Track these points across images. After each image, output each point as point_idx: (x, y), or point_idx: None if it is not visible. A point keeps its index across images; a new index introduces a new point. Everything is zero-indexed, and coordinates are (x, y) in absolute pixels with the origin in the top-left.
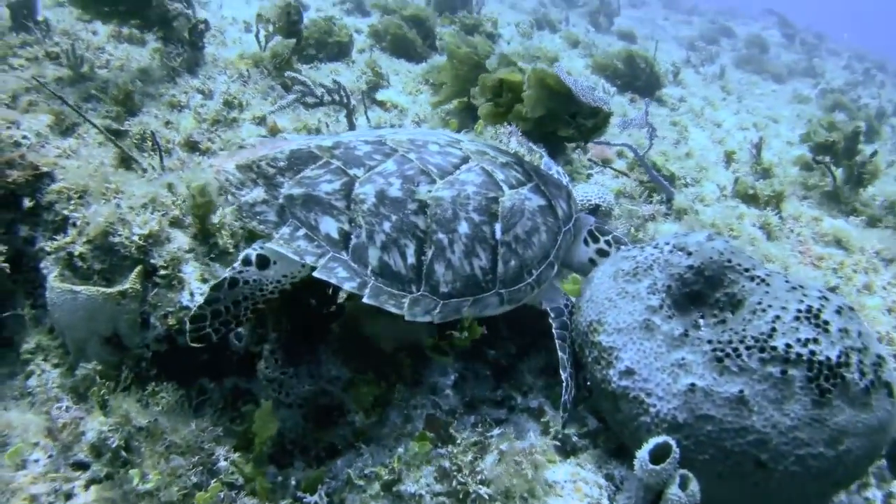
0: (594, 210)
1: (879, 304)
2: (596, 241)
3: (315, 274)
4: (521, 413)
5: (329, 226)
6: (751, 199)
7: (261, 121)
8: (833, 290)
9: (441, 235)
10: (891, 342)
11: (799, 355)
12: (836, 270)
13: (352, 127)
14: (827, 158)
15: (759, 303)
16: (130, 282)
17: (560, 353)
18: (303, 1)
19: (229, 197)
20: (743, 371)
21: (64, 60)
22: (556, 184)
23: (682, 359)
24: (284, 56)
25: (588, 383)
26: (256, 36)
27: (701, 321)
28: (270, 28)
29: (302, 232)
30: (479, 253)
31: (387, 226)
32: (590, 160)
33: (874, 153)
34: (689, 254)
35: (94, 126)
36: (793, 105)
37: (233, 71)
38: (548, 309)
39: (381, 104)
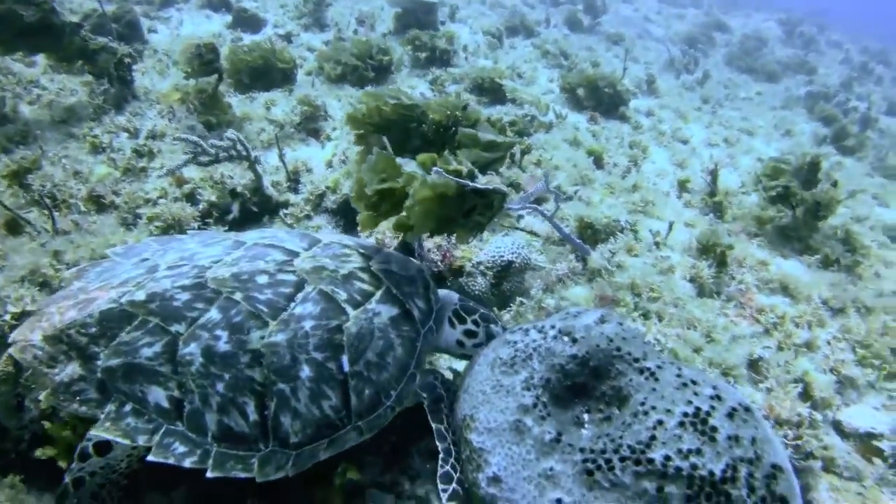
0: (507, 266)
1: (818, 365)
2: (462, 321)
3: (149, 458)
4: (408, 501)
5: (158, 395)
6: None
7: (169, 172)
8: (757, 362)
9: (282, 385)
10: (826, 406)
11: (678, 469)
12: (777, 325)
13: (257, 177)
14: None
15: (643, 403)
16: (1, 364)
17: (435, 425)
18: (260, 15)
19: (39, 377)
20: (615, 486)
21: None
22: (410, 278)
23: (551, 469)
24: (208, 92)
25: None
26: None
27: (585, 416)
28: (188, 69)
29: (129, 407)
30: (327, 393)
31: (220, 386)
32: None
33: (834, 183)
34: (575, 341)
35: None
36: (775, 112)
37: (164, 105)
38: (418, 390)
39: (315, 133)
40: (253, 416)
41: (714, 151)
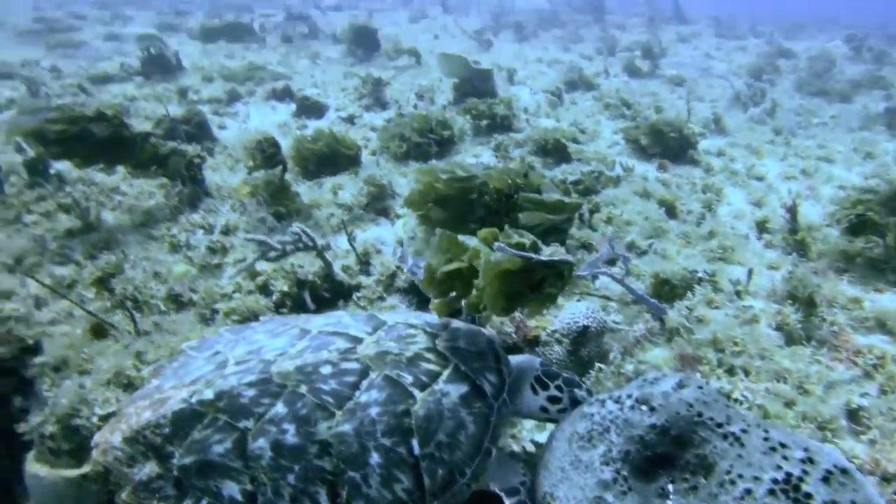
0: (583, 332)
1: None
2: (545, 387)
3: None
4: None
5: (232, 489)
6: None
7: (239, 272)
8: (857, 412)
9: (352, 473)
10: None
11: None
12: (878, 366)
13: (326, 264)
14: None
15: (729, 471)
16: (91, 464)
17: None
18: (322, 101)
19: (122, 477)
20: None
21: (74, 212)
22: (479, 353)
23: None
24: (275, 184)
25: None
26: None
27: (670, 486)
28: (251, 163)
29: (205, 502)
30: (398, 477)
31: (291, 477)
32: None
33: None
34: (653, 409)
35: (70, 300)
36: (853, 134)
37: (235, 199)
38: (498, 491)
39: (384, 212)
40: None
41: (792, 185)
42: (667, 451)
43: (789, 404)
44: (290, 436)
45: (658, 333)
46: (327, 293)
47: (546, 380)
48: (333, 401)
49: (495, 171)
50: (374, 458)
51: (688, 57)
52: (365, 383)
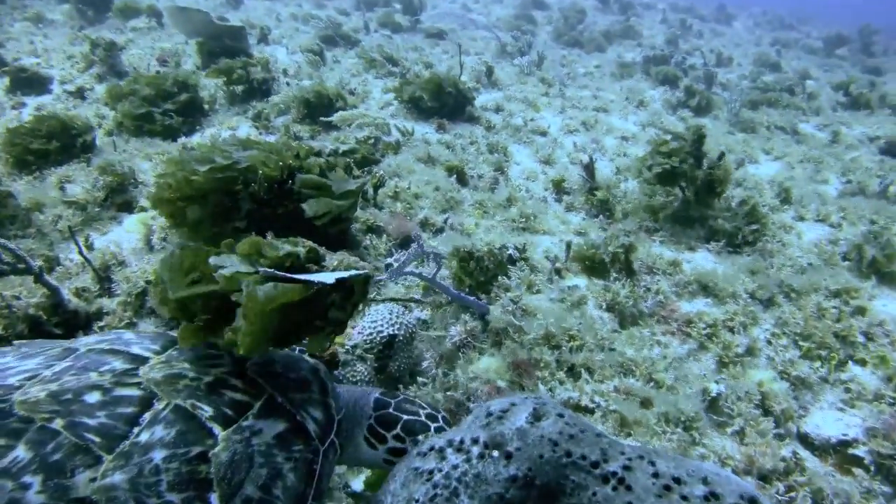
0: (389, 342)
1: (770, 374)
2: (382, 440)
3: None
4: None
5: None
6: (591, 267)
7: None
8: (716, 401)
9: None
10: (787, 419)
11: None
12: (712, 336)
13: (51, 291)
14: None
15: None
16: None
17: None
18: (43, 73)
19: None
20: None
21: None
22: (300, 381)
23: None
24: None
25: None
26: None
27: None
28: None
29: None
30: None
31: None
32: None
33: (721, 156)
34: (509, 456)
35: None
36: (621, 83)
37: None
38: None
39: (127, 206)
40: None
41: (576, 139)
42: None
43: (646, 404)
44: (34, 493)
45: (480, 337)
46: (57, 328)
47: (381, 430)
48: (101, 440)
49: (260, 151)
50: None
51: (446, 10)
52: (147, 416)
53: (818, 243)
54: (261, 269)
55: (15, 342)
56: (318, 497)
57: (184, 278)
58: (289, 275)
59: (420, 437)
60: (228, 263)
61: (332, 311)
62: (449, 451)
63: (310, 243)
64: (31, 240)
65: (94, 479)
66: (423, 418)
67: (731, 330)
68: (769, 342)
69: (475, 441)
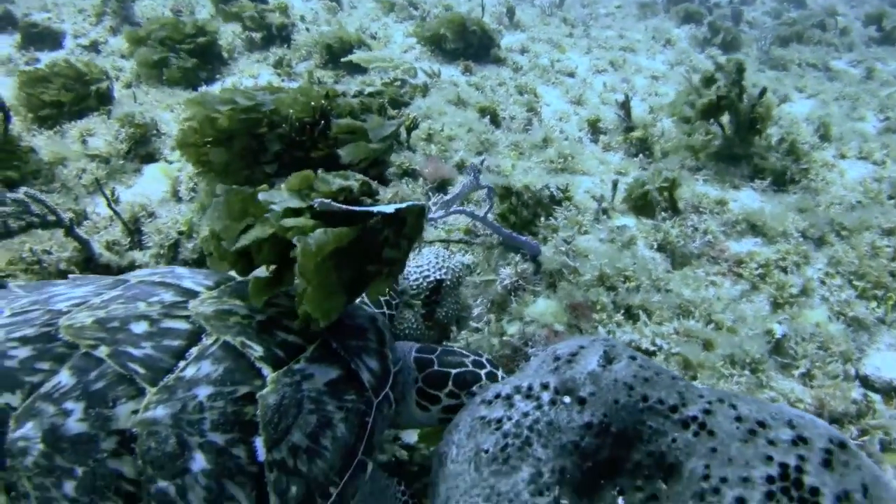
0: (437, 288)
1: (824, 314)
2: (434, 400)
3: None
4: None
5: None
6: (640, 206)
7: None
8: (781, 342)
9: (163, 484)
10: (846, 360)
11: None
12: (764, 276)
13: (82, 244)
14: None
15: (706, 473)
16: None
17: None
18: (55, 27)
19: None
20: None
21: None
22: (358, 328)
23: None
24: None
25: None
26: None
27: (620, 501)
28: None
29: None
30: (232, 493)
31: (69, 487)
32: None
33: (762, 92)
34: (583, 402)
35: None
36: (643, 22)
37: None
38: None
39: (151, 157)
40: None
41: (605, 79)
42: (610, 454)
43: (709, 346)
44: (75, 421)
45: (533, 279)
46: None
47: (431, 390)
48: (145, 372)
49: (289, 94)
50: (198, 461)
51: None
52: (194, 351)
53: (863, 181)
54: (316, 200)
55: (71, 276)
56: (369, 452)
57: (237, 225)
58: (345, 206)
59: (475, 389)
60: (279, 199)
61: (386, 250)
62: (517, 398)
63: (361, 177)
64: (57, 194)
65: (135, 412)
66: (471, 367)
67: (784, 270)
68: (823, 282)
69: (545, 387)
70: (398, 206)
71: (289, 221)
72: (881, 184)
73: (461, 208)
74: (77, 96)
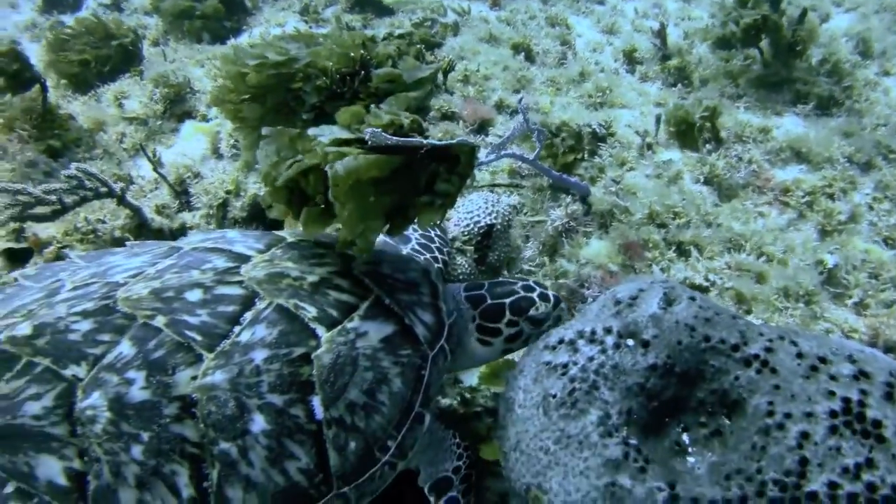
0: (488, 232)
1: (873, 240)
2: (495, 333)
3: None
4: None
5: (50, 469)
6: (683, 133)
7: None
8: (833, 272)
9: (225, 445)
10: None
11: (853, 498)
12: (811, 204)
13: (134, 211)
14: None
15: (770, 410)
16: None
17: None
18: None
19: None
20: None
21: None
22: (410, 282)
23: None
24: (36, 110)
25: None
26: None
27: (685, 438)
28: None
29: (11, 488)
30: (293, 451)
31: (138, 451)
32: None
33: (804, 12)
34: (646, 344)
35: None
36: None
37: None
38: (425, 489)
39: (189, 116)
40: (187, 492)
41: (636, 4)
42: (674, 394)
43: (762, 279)
44: (138, 389)
45: (583, 220)
46: None
47: (489, 324)
48: (202, 339)
49: (324, 45)
50: (258, 422)
51: None
52: (248, 316)
53: None
54: (367, 130)
55: (128, 243)
56: (426, 404)
57: (286, 163)
58: (395, 138)
59: (532, 312)
60: (328, 132)
61: (438, 183)
62: (581, 342)
63: (412, 115)
64: (100, 161)
65: (195, 378)
66: (523, 293)
67: (831, 196)
68: (871, 207)
69: (608, 331)
70: (449, 141)
71: (330, 149)
72: None
73: (510, 151)
74: (105, 56)
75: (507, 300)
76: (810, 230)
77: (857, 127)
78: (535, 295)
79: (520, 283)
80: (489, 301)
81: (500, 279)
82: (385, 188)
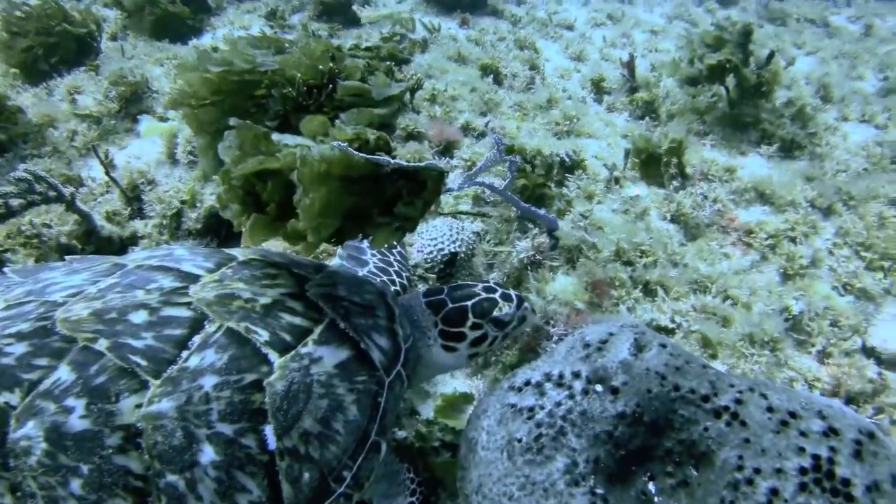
0: (451, 260)
1: (833, 287)
2: (461, 338)
3: None
4: None
5: None
6: (646, 163)
7: None
8: (798, 318)
9: (172, 478)
10: (855, 332)
11: None
12: (774, 247)
13: (83, 217)
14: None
15: (740, 464)
16: None
17: None
18: None
19: None
20: None
21: None
22: (366, 305)
23: None
24: None
25: None
26: None
27: (651, 487)
28: None
29: None
30: (244, 484)
31: (76, 485)
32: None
33: (770, 55)
34: (616, 391)
35: None
36: None
37: None
38: None
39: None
40: None
41: (605, 32)
42: (642, 443)
43: (727, 323)
44: (78, 418)
45: (550, 253)
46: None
47: (450, 328)
48: (147, 364)
49: (293, 55)
50: (207, 453)
51: None
52: (197, 339)
53: (865, 145)
54: (333, 142)
55: (67, 257)
56: (382, 433)
57: (244, 157)
58: (360, 153)
59: (495, 314)
60: (291, 140)
61: (400, 205)
62: (548, 385)
63: (378, 132)
64: (48, 159)
65: (139, 406)
66: (484, 294)
67: (794, 240)
68: (831, 252)
69: (576, 375)
70: (417, 163)
71: (303, 149)
72: (883, 147)
73: (480, 180)
74: (51, 43)
75: (469, 302)
76: (773, 273)
77: (819, 171)
78: (496, 296)
79: (480, 285)
80: (450, 305)
81: (461, 282)
82: (350, 189)
